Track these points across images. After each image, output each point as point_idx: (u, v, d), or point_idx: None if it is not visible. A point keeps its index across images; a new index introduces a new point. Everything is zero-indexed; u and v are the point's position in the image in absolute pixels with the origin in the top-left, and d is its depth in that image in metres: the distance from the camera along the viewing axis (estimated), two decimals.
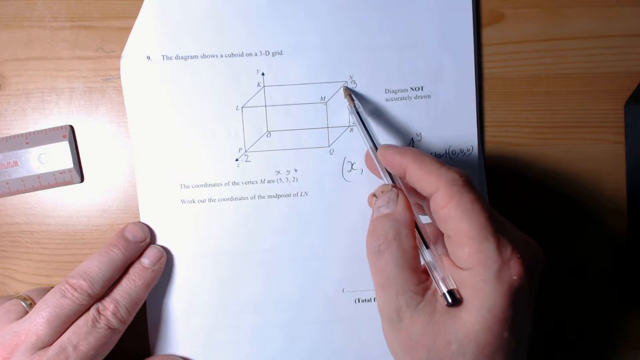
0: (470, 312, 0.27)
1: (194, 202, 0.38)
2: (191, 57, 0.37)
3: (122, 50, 0.37)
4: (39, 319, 0.32)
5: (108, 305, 0.34)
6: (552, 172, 0.40)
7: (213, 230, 0.38)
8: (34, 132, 0.38)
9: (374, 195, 0.32)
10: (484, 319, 0.26)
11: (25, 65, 0.38)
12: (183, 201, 0.38)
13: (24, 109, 0.38)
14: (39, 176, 0.37)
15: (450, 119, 0.39)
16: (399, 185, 0.32)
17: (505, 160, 0.40)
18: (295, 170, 0.38)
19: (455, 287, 0.28)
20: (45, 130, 0.38)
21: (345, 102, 0.37)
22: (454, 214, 0.27)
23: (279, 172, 0.38)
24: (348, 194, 0.39)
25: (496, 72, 0.39)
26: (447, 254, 0.29)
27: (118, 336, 0.34)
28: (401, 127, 0.39)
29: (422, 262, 0.30)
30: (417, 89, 0.39)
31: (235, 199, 0.38)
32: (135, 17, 0.37)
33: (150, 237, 0.37)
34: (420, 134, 0.39)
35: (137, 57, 0.37)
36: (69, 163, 0.38)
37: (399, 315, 0.28)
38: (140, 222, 0.38)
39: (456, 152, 0.39)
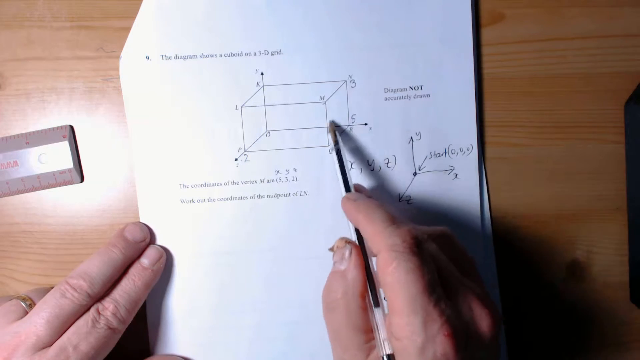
0: None
1: (193, 201, 0.38)
2: (190, 57, 0.37)
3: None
4: (39, 320, 0.32)
5: (108, 306, 0.34)
6: (552, 172, 0.40)
7: (212, 230, 0.38)
8: (34, 132, 0.38)
9: (331, 249, 0.32)
10: None
11: (25, 65, 0.38)
12: (182, 201, 0.38)
13: (24, 109, 0.38)
14: (39, 176, 0.37)
15: (450, 118, 0.39)
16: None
17: (505, 160, 0.40)
18: (295, 170, 0.38)
19: (392, 352, 0.28)
20: (45, 130, 0.38)
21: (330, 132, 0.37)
22: (389, 282, 0.27)
23: (278, 172, 0.38)
24: None
25: (496, 72, 0.39)
26: None
27: (118, 336, 0.34)
28: (400, 126, 0.39)
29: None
30: (416, 88, 0.38)
31: (235, 198, 0.38)
32: (135, 17, 0.37)
33: (149, 237, 0.37)
34: (419, 133, 0.39)
35: (136, 57, 0.37)
36: (69, 163, 0.38)
37: None
38: (139, 222, 0.38)
39: (455, 150, 0.39)
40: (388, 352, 0.28)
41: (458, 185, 0.39)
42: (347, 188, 0.34)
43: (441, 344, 0.26)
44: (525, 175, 0.40)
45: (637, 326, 0.42)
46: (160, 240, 0.38)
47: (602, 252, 0.41)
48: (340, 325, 0.30)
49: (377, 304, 0.29)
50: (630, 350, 0.42)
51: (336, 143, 0.36)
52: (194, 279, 0.38)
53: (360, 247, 0.31)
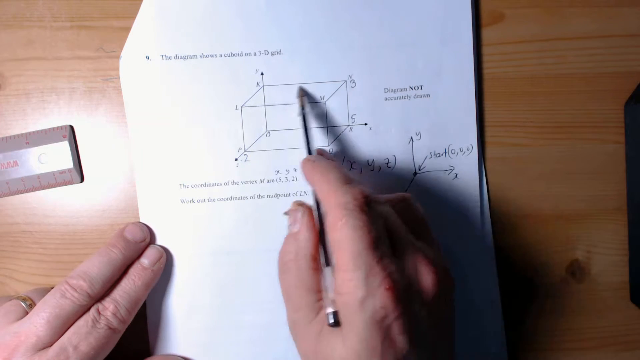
0: (344, 336, 0.27)
1: (193, 201, 0.38)
2: (190, 57, 0.37)
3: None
4: (39, 320, 0.32)
5: (108, 306, 0.34)
6: (552, 172, 0.40)
7: (213, 230, 0.38)
8: (34, 132, 0.38)
9: (286, 212, 0.33)
10: (352, 344, 0.27)
11: (25, 65, 0.38)
12: (183, 201, 0.38)
13: (24, 109, 0.38)
14: (39, 176, 0.37)
15: (450, 118, 0.39)
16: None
17: (505, 160, 0.40)
18: (295, 170, 0.38)
19: (337, 310, 0.28)
20: (45, 130, 0.38)
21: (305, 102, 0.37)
22: (336, 238, 0.28)
23: (278, 172, 0.38)
24: None
25: (496, 72, 0.39)
26: None
27: (118, 336, 0.34)
28: (400, 126, 0.39)
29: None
30: (416, 88, 0.38)
31: (235, 198, 0.38)
32: (135, 17, 0.37)
33: (149, 237, 0.37)
34: (419, 133, 0.39)
35: (136, 57, 0.37)
36: (69, 163, 0.38)
37: (295, 329, 0.30)
38: (139, 222, 0.38)
39: (455, 150, 0.39)
40: (333, 309, 0.28)
41: (458, 185, 0.39)
42: (309, 151, 0.34)
43: (381, 297, 0.26)
44: (525, 175, 0.40)
45: (637, 326, 0.42)
46: (160, 240, 0.38)
47: (602, 252, 0.41)
48: (291, 285, 0.30)
49: (328, 263, 0.30)
50: (630, 350, 0.42)
51: (303, 108, 0.36)
52: (194, 279, 0.38)
53: (316, 210, 0.32)
